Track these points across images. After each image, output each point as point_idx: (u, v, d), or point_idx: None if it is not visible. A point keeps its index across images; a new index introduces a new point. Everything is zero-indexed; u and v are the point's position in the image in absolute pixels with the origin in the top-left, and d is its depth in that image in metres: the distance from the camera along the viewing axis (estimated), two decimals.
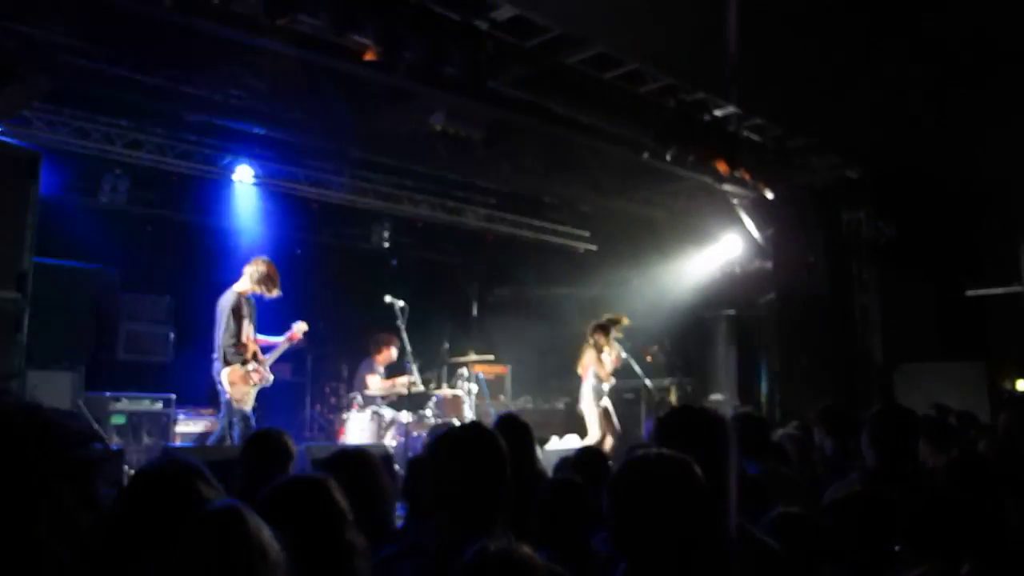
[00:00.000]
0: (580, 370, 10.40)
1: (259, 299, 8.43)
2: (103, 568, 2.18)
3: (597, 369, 10.23)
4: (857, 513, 2.94)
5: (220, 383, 8.06)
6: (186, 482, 2.49)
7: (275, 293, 8.41)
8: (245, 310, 8.24)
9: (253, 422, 8.11)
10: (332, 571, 2.45)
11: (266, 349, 8.46)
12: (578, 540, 3.35)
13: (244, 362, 8.15)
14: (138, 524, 2.43)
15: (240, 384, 8.08)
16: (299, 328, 8.61)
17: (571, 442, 9.86)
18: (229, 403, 8.03)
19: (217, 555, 1.94)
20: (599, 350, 10.30)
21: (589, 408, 10.20)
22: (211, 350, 8.20)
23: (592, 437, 9.97)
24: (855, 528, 2.89)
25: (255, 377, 8.24)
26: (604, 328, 10.39)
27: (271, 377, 8.45)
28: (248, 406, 8.16)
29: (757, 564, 2.22)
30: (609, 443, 9.95)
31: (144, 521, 2.42)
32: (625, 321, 10.55)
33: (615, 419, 10.27)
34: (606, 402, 10.24)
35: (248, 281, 8.29)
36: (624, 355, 10.69)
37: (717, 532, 2.15)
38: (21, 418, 0.96)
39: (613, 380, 10.45)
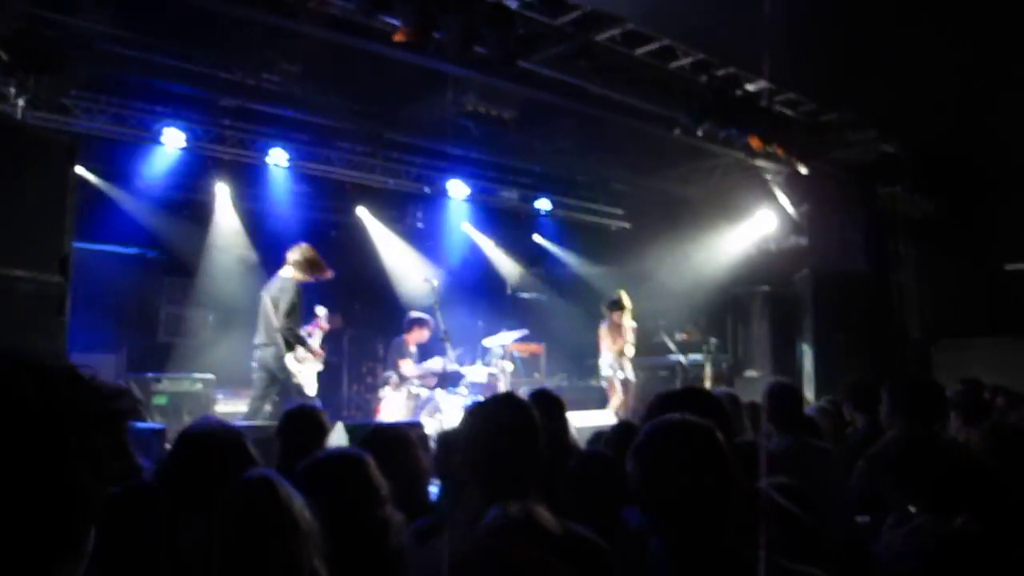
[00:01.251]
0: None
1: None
2: (148, 526, 2.26)
3: (609, 344, 10.97)
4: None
5: (279, 368, 8.10)
6: (235, 440, 2.57)
7: (328, 274, 8.52)
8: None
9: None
10: (367, 545, 2.49)
11: None
12: (608, 513, 3.37)
13: (304, 344, 8.26)
14: (187, 479, 2.52)
15: (307, 364, 8.23)
16: (322, 314, 8.90)
17: (606, 418, 9.93)
18: (299, 387, 8.13)
19: (247, 523, 1.99)
20: (615, 324, 11.03)
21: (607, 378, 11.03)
22: (256, 336, 8.25)
23: (612, 404, 10.64)
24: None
25: (319, 356, 8.45)
26: (613, 305, 11.05)
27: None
28: (313, 390, 8.28)
29: (780, 528, 2.23)
30: (625, 405, 10.60)
31: (193, 477, 2.51)
32: (624, 299, 11.09)
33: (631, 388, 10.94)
34: (621, 375, 10.86)
35: (296, 269, 8.35)
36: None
37: (742, 496, 2.16)
38: (56, 365, 1.02)
39: (622, 355, 10.99)
